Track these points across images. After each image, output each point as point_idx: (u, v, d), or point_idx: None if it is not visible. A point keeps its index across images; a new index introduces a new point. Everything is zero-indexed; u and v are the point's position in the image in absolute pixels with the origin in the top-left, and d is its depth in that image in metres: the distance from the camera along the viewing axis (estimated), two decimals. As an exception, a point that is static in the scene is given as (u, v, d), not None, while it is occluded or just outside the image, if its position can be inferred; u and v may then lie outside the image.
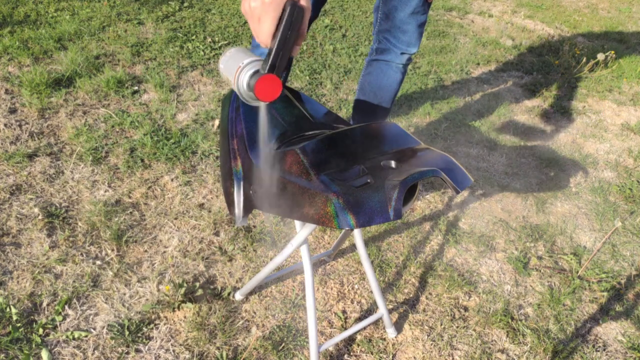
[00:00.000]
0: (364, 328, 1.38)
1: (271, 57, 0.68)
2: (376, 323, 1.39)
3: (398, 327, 1.40)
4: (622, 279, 1.65)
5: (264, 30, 0.67)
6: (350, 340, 1.35)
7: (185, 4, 3.23)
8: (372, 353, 1.31)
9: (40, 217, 1.53)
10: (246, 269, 1.50)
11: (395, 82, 1.64)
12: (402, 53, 1.56)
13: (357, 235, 1.19)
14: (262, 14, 0.66)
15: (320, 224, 0.82)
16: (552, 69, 3.22)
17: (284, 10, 0.66)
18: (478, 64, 3.17)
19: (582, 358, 1.38)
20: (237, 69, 0.72)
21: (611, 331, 1.48)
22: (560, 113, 2.70)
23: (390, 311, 1.44)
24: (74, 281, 1.37)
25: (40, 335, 1.22)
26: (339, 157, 0.91)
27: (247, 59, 0.72)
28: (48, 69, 2.27)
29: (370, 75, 1.66)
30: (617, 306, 1.56)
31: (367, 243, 1.65)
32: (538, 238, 1.79)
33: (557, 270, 1.66)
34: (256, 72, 0.71)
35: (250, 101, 0.73)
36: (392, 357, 1.32)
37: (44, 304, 1.30)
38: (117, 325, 1.28)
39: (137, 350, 1.24)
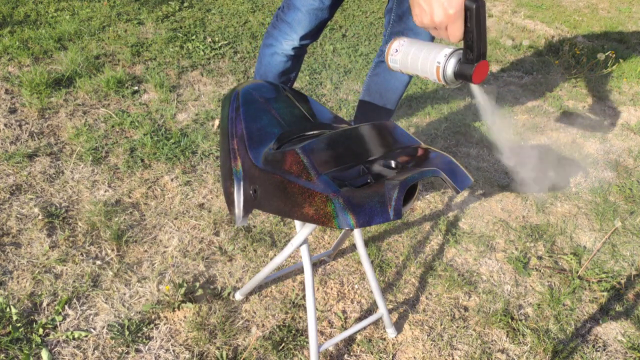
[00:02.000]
0: (364, 328, 1.38)
1: (475, 48, 0.82)
2: (376, 323, 1.39)
3: (398, 327, 1.40)
4: (622, 279, 1.65)
5: (456, 31, 0.81)
6: (350, 340, 1.35)
7: (185, 4, 3.23)
8: (372, 353, 1.31)
9: (40, 217, 1.53)
10: (246, 269, 1.50)
11: (403, 85, 1.62)
12: None
13: (357, 235, 1.19)
14: (450, 22, 0.80)
15: (320, 224, 0.82)
16: (552, 69, 3.22)
17: (467, 10, 0.80)
18: (478, 64, 3.17)
19: (582, 358, 1.38)
20: (444, 58, 0.86)
21: (611, 331, 1.48)
22: (560, 113, 2.70)
23: (390, 311, 1.44)
24: (74, 281, 1.37)
25: (40, 335, 1.22)
26: (338, 157, 0.91)
27: (446, 50, 0.87)
28: (48, 69, 2.27)
29: (378, 77, 1.65)
30: (617, 306, 1.56)
31: (367, 243, 1.65)
32: (538, 238, 1.79)
33: (557, 270, 1.66)
34: (459, 60, 0.85)
35: (451, 85, 0.88)
36: (392, 357, 1.32)
37: (44, 304, 1.30)
38: (117, 325, 1.28)
39: (137, 350, 1.24)
